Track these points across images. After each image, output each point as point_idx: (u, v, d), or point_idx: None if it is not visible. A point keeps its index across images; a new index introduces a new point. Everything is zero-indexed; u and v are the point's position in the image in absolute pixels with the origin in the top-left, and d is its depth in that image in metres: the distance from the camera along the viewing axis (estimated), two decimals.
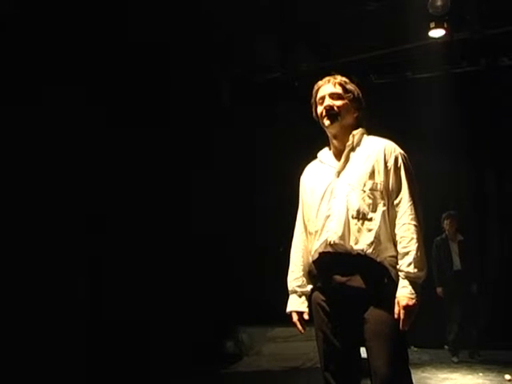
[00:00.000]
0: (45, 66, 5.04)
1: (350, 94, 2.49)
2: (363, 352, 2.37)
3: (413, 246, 2.26)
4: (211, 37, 6.26)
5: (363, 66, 6.93)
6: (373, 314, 2.27)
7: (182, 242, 6.37)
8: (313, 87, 2.60)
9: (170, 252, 6.21)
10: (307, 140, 5.79)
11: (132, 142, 5.99)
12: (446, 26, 5.87)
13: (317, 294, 2.44)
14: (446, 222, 6.87)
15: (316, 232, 2.43)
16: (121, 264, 5.72)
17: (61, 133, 5.24)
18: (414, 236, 2.28)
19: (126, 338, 5.58)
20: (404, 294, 2.23)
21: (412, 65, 7.11)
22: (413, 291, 2.23)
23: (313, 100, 2.58)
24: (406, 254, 2.26)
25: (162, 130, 6.36)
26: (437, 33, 6.02)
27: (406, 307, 2.21)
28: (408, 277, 2.24)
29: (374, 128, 2.58)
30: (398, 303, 2.22)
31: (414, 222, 2.29)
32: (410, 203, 2.32)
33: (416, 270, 2.24)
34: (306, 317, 2.49)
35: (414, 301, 2.22)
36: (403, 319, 2.20)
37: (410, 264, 2.24)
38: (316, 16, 6.22)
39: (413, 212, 2.31)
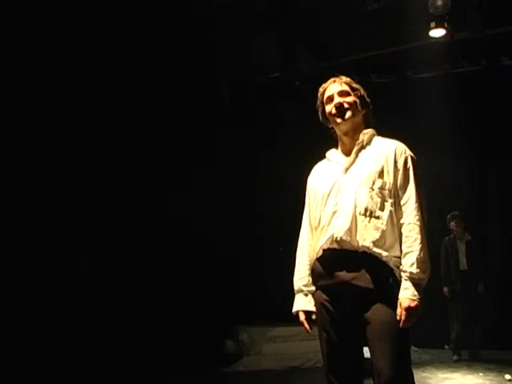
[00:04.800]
0: (41, 66, 5.05)
1: (356, 92, 2.50)
2: (366, 352, 2.36)
3: (416, 247, 2.25)
4: (211, 36, 6.26)
5: (363, 65, 6.91)
6: (376, 314, 2.26)
7: (182, 241, 6.37)
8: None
9: (170, 252, 6.21)
10: (308, 140, 5.80)
11: (132, 141, 5.99)
12: (446, 25, 5.86)
13: (320, 293, 2.41)
14: (451, 223, 6.89)
15: (322, 228, 2.41)
16: (121, 263, 5.72)
17: (60, 130, 5.24)
18: (419, 236, 2.26)
19: (127, 337, 5.58)
20: (406, 295, 2.21)
21: (412, 65, 7.10)
22: (415, 293, 2.21)
23: (319, 102, 2.55)
24: (409, 253, 2.25)
25: (161, 129, 6.36)
26: (437, 33, 6.01)
27: (408, 309, 2.19)
28: (411, 278, 2.22)
29: (374, 127, 2.57)
30: (400, 305, 2.21)
31: (419, 223, 2.29)
32: (416, 204, 2.31)
33: (418, 271, 2.22)
34: (313, 317, 2.46)
35: (415, 302, 2.20)
36: (404, 321, 2.19)
37: (412, 264, 2.23)
38: (316, 15, 6.22)
39: (419, 213, 2.30)
